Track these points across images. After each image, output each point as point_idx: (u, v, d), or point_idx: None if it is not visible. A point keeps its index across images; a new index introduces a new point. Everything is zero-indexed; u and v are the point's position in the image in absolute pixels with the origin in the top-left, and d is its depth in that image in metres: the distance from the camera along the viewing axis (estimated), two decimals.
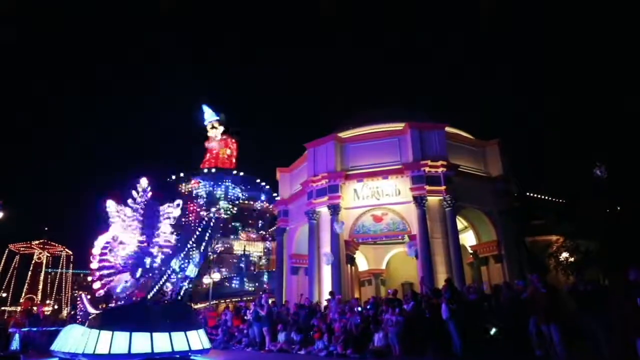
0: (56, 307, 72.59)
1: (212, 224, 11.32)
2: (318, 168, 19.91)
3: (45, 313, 29.67)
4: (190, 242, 10.65)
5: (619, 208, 17.81)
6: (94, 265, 10.84)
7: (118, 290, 10.67)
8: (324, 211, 19.46)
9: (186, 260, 10.49)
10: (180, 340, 9.52)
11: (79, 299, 11.51)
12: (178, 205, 12.08)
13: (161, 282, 10.32)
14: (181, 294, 10.60)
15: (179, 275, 10.48)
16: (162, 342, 9.22)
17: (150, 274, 10.70)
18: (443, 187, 18.06)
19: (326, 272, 18.52)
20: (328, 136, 20.38)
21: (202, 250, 10.75)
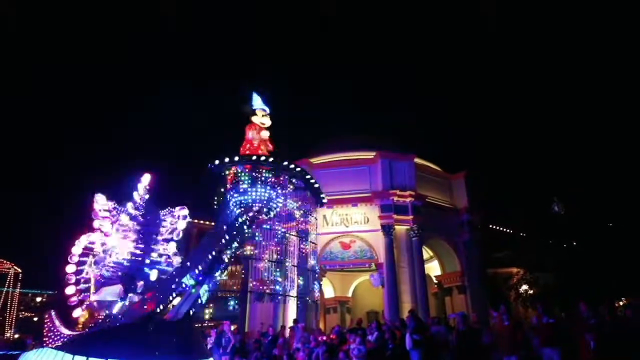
0: None
1: (245, 227, 8.82)
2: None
3: None
4: (213, 253, 8.11)
5: (574, 243, 18.65)
6: (70, 268, 9.12)
7: (115, 310, 8.74)
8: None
9: (203, 276, 8.12)
10: None
11: (47, 317, 9.31)
12: (185, 217, 10.06)
13: (171, 300, 8.03)
14: (190, 313, 8.45)
15: (194, 291, 8.01)
16: None
17: (147, 291, 8.73)
18: (410, 217, 18.38)
19: (292, 299, 18.20)
20: (299, 161, 20.46)
21: (223, 264, 8.48)
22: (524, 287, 20.66)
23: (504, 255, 22.74)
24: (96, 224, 9.45)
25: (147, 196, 9.90)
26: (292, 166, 10.98)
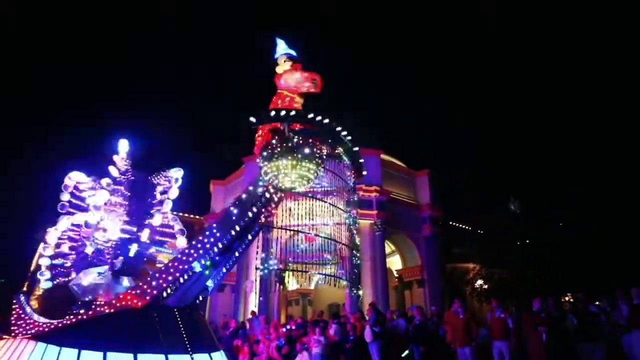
0: None
1: (273, 203, 7.48)
2: None
3: None
4: (234, 232, 6.80)
5: (527, 241, 19.56)
6: (45, 261, 7.75)
7: (85, 282, 7.31)
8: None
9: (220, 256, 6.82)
10: None
11: (15, 302, 7.80)
12: (177, 180, 8.47)
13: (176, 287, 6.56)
14: (198, 300, 7.39)
15: (207, 272, 6.71)
16: None
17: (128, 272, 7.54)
18: (375, 212, 18.64)
19: (254, 290, 18.11)
20: None
21: (241, 249, 7.26)
22: (480, 282, 21.52)
23: (463, 250, 23.59)
24: (90, 201, 7.85)
25: (126, 165, 8.24)
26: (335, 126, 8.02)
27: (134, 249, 7.49)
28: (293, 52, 9.50)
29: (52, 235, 7.90)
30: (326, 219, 8.81)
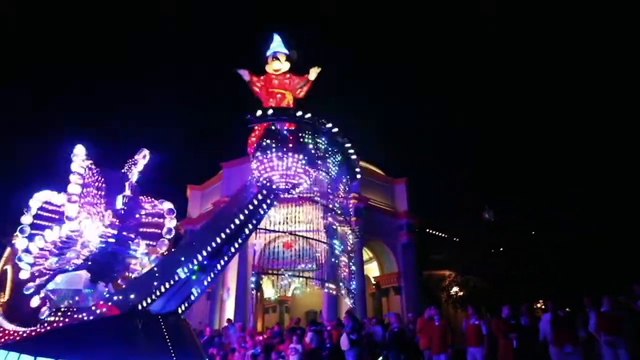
0: None
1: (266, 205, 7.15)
2: (232, 189, 19.42)
3: None
4: (223, 235, 6.50)
5: (501, 249, 20.01)
6: (21, 243, 7.02)
7: (63, 287, 6.92)
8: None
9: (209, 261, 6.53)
10: None
11: None
12: (171, 211, 7.98)
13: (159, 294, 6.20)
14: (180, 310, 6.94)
15: (194, 277, 6.32)
16: None
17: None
18: (353, 219, 18.67)
19: (230, 297, 17.87)
20: (246, 158, 20.07)
21: (231, 253, 6.90)
22: (455, 289, 21.85)
23: (439, 258, 23.92)
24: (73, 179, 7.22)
25: (87, 166, 7.73)
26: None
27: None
28: (286, 51, 9.43)
29: (27, 217, 7.37)
30: (313, 225, 8.52)
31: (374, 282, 22.17)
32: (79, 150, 7.69)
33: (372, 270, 22.39)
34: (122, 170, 8.09)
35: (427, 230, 25.85)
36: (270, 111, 7.08)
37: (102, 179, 7.73)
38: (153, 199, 8.21)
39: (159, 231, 8.03)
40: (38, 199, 7.66)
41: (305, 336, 11.63)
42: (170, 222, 8.03)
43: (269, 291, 24.06)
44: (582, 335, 8.30)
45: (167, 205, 8.11)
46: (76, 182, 7.31)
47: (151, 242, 7.93)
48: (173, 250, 7.08)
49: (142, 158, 8.10)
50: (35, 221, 7.55)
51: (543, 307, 16.00)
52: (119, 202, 7.60)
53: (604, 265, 16.80)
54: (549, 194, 19.29)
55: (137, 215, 7.90)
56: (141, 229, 7.89)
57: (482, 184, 20.65)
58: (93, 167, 7.72)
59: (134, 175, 8.03)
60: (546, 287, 16.83)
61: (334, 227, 9.42)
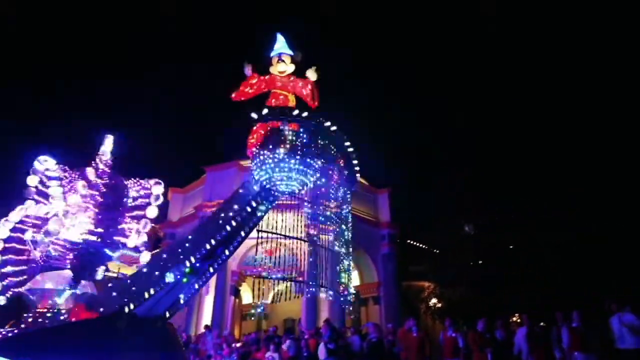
0: None
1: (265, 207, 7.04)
2: (215, 194, 19.23)
3: None
4: (217, 238, 6.55)
5: (480, 262, 20.23)
6: None
7: (60, 300, 6.79)
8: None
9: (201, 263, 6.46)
10: None
11: None
12: (158, 197, 8.17)
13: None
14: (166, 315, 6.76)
15: (185, 280, 6.23)
16: None
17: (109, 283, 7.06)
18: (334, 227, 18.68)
19: (207, 303, 17.60)
20: (230, 162, 19.97)
21: (225, 256, 6.95)
22: (434, 300, 21.98)
23: (419, 269, 24.05)
24: (53, 191, 7.36)
25: (106, 166, 7.88)
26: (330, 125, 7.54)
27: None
28: (291, 52, 9.23)
29: (2, 229, 7.29)
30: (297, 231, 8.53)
31: (353, 292, 22.14)
32: (108, 143, 8.13)
33: (352, 279, 22.37)
34: (127, 183, 8.35)
35: (408, 240, 26.01)
36: (275, 110, 7.19)
37: (109, 185, 7.98)
38: (139, 179, 8.45)
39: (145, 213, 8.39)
40: (43, 163, 7.64)
41: (282, 344, 11.54)
42: (158, 189, 8.37)
43: (247, 297, 23.84)
44: (558, 357, 8.39)
45: (154, 180, 8.43)
46: (88, 177, 7.69)
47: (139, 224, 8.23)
48: (159, 250, 7.07)
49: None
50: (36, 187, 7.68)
51: (519, 320, 16.16)
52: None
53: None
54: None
55: (125, 199, 8.12)
56: (128, 214, 8.05)
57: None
58: (107, 170, 8.04)
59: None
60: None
61: (316, 238, 9.39)
